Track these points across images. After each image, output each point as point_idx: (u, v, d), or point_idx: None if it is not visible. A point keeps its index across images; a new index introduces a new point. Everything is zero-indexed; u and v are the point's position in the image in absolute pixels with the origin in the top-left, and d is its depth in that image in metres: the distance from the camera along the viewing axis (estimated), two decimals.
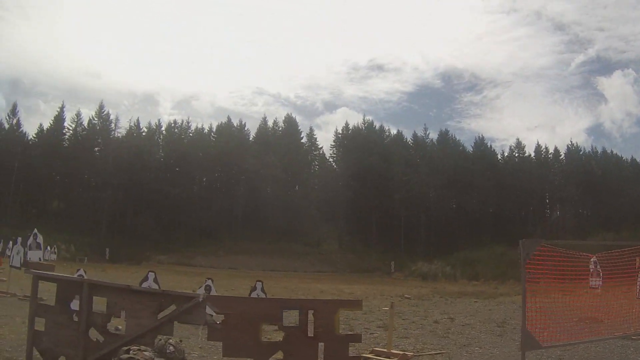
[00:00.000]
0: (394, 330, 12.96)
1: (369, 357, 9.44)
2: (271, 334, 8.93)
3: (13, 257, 16.27)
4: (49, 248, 27.01)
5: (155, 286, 12.31)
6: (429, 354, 9.82)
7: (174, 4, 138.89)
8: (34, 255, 15.78)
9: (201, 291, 13.31)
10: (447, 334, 12.68)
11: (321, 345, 5.88)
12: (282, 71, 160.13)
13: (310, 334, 5.96)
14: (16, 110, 78.24)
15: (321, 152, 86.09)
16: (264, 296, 13.64)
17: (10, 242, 21.93)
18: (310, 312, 6.07)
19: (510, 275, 36.36)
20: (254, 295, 13.40)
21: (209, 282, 14.17)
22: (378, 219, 72.47)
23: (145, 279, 13.48)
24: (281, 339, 6.13)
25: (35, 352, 6.28)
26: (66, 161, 73.69)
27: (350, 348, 6.17)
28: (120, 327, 5.54)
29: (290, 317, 6.31)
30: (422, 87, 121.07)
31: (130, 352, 5.86)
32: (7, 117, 77.60)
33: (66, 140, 79.08)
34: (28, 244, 15.91)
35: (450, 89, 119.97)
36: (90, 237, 64.13)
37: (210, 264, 59.23)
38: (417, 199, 70.32)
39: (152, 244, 66.36)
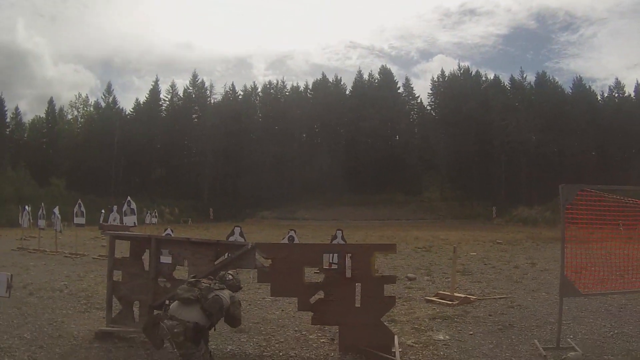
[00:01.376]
0: (470, 275, 13.29)
1: (431, 299, 9.87)
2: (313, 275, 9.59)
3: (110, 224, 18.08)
4: (149, 213, 29.05)
5: (240, 239, 13.23)
6: (493, 298, 9.99)
7: None
8: (129, 221, 17.18)
9: (284, 241, 14.18)
10: (521, 279, 12.77)
11: (358, 285, 6.36)
12: (374, 23, 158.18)
13: (348, 275, 6.45)
14: (111, 89, 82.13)
15: (419, 100, 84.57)
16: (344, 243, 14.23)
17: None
18: (348, 256, 6.57)
19: None
20: (336, 241, 14.08)
21: (292, 233, 14.96)
22: (478, 166, 70.98)
23: (232, 233, 14.44)
24: (322, 280, 6.70)
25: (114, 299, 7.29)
26: (165, 130, 76.94)
27: (395, 287, 6.52)
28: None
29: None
30: (517, 28, 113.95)
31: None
32: (103, 96, 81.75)
33: (163, 111, 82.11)
34: (123, 210, 17.53)
35: (545, 29, 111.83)
36: (194, 199, 67.76)
37: (313, 217, 60.64)
38: (517, 144, 67.54)
39: (255, 202, 68.79)
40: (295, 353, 6.48)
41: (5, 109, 75.00)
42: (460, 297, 9.71)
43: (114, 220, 17.60)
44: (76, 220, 19.45)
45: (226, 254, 6.84)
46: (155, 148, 78.51)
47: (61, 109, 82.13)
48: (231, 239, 13.34)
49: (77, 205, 19.45)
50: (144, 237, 7.21)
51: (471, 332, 7.33)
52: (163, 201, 61.97)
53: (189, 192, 70.77)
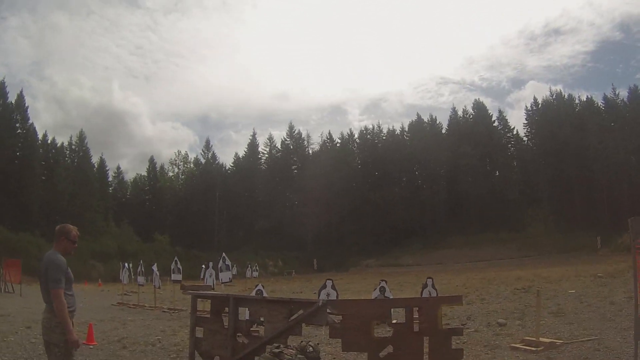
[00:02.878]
0: (563, 316, 12.78)
1: (516, 346, 9.63)
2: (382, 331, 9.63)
3: (206, 279, 18.85)
4: (250, 266, 30.04)
5: (333, 292, 13.49)
6: (580, 341, 9.60)
7: (341, 13, 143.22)
8: (224, 277, 17.83)
9: (376, 293, 14.27)
10: (615, 316, 12.12)
11: (426, 339, 6.42)
12: (461, 55, 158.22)
13: (416, 329, 6.54)
14: (209, 145, 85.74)
15: (515, 132, 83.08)
16: (435, 292, 14.14)
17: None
18: (415, 310, 6.67)
19: None
20: (425, 292, 14.04)
21: (383, 283, 15.07)
22: (580, 193, 68.40)
23: (324, 286, 14.75)
24: (391, 335, 6.80)
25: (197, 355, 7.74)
26: (265, 183, 79.13)
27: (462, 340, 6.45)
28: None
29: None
30: (603, 42, 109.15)
31: (280, 347, 7.11)
32: (203, 152, 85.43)
33: (263, 164, 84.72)
34: (219, 266, 18.26)
35: (631, 38, 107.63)
36: (297, 251, 68.37)
37: (416, 262, 60.41)
38: (617, 166, 64.53)
39: (358, 250, 69.25)
40: None
41: (107, 168, 79.67)
42: (546, 342, 9.39)
43: (210, 276, 18.33)
44: (173, 276, 20.48)
45: (300, 311, 7.10)
46: (256, 201, 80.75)
47: (162, 167, 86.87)
48: (323, 292, 13.61)
49: (173, 262, 20.49)
50: (223, 296, 7.64)
51: None
52: (267, 254, 63.40)
53: (293, 243, 71.72)
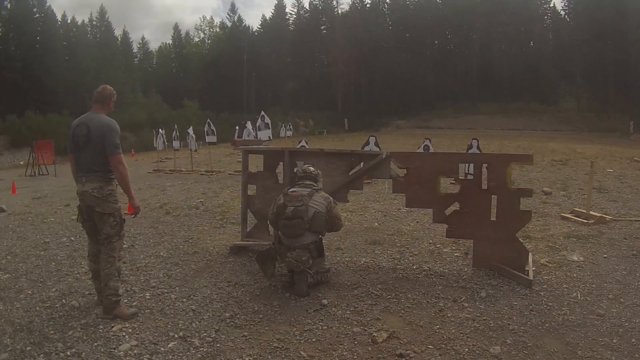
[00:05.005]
0: (606, 193, 12.41)
1: (566, 216, 9.36)
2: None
3: (243, 139, 18.61)
4: (283, 126, 29.48)
5: (376, 149, 13.19)
6: (629, 220, 9.22)
7: None
8: (264, 135, 17.67)
9: (420, 151, 13.96)
10: None
11: (494, 197, 6.07)
12: None
13: (484, 187, 6.17)
14: (235, 8, 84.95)
15: (552, 5, 79.19)
16: (478, 152, 13.74)
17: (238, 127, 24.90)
18: (484, 166, 6.25)
19: None
20: (472, 151, 13.65)
21: (427, 142, 14.69)
22: (615, 75, 64.86)
23: (367, 143, 14.43)
24: (457, 191, 6.45)
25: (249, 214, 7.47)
26: (294, 44, 77.77)
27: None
28: None
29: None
30: None
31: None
32: (228, 16, 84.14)
33: (290, 25, 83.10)
34: (257, 125, 17.92)
35: None
36: (327, 111, 68.06)
37: (448, 126, 60.36)
38: None
39: (389, 111, 68.90)
40: (428, 267, 6.36)
41: (131, 40, 79.49)
42: (596, 216, 9.08)
43: (248, 135, 18.03)
44: (208, 138, 20.14)
45: (360, 164, 6.70)
46: (285, 62, 79.79)
47: (187, 33, 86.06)
48: (366, 148, 13.38)
49: (206, 125, 20.09)
50: (277, 150, 7.26)
51: (605, 255, 6.83)
52: (297, 114, 63.29)
53: (323, 103, 71.41)
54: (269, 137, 17.85)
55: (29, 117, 42.26)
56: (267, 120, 17.73)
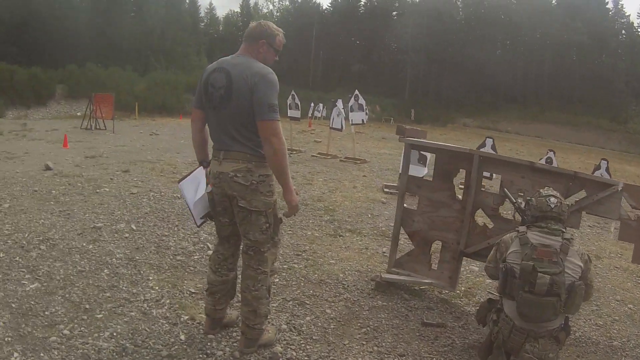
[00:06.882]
0: None
1: None
2: None
3: (333, 120, 16.16)
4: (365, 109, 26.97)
5: (491, 152, 10.60)
6: None
7: None
8: (357, 117, 15.41)
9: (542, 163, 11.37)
10: None
11: None
12: None
13: None
14: None
15: (629, 19, 76.14)
16: (608, 177, 11.12)
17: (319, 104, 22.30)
18: None
19: None
20: (597, 174, 10.99)
21: (551, 154, 12.04)
22: None
23: (483, 144, 11.91)
24: None
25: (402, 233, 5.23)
26: (364, 27, 76.28)
27: None
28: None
29: None
30: None
31: None
32: None
33: (362, 7, 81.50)
34: (350, 105, 15.50)
35: None
36: (394, 98, 66.33)
37: (515, 130, 58.64)
38: None
39: (456, 107, 67.28)
40: None
41: (199, 4, 78.29)
42: None
43: (338, 115, 15.67)
44: (290, 113, 17.44)
45: (580, 192, 4.54)
46: (354, 44, 78.52)
47: (256, 3, 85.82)
48: (482, 150, 10.65)
49: (290, 97, 17.46)
50: (462, 152, 4.93)
51: None
52: (364, 97, 61.22)
53: (389, 90, 69.19)
54: (363, 120, 15.47)
55: (90, 68, 40.81)
56: (362, 100, 15.38)
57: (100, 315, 3.79)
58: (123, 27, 51.79)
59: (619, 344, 4.55)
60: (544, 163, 10.63)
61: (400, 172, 5.46)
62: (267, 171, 3.25)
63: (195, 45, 62.66)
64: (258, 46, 3.35)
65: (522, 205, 3.82)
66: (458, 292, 5.08)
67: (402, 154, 5.21)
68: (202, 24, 79.63)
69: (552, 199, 3.49)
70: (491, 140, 12.86)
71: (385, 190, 10.68)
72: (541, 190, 3.63)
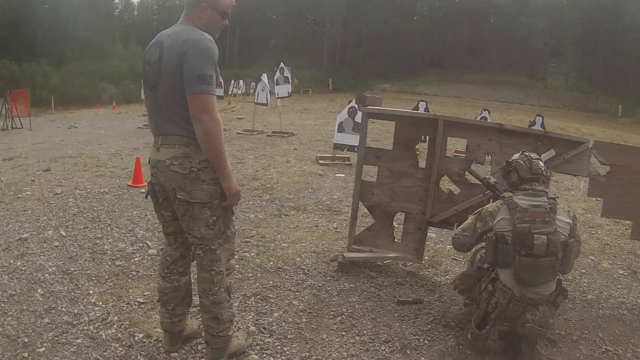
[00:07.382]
0: None
1: None
2: None
3: (258, 94, 15.73)
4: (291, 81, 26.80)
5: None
6: None
7: None
8: (282, 90, 15.02)
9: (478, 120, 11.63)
10: None
11: None
12: None
13: None
14: None
15: None
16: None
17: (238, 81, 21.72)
18: None
19: None
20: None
21: (485, 113, 12.13)
22: (606, 58, 64.19)
23: (416, 108, 11.92)
24: None
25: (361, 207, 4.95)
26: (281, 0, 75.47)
27: None
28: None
29: None
30: None
31: None
32: None
33: None
34: (275, 78, 15.06)
35: None
36: (312, 70, 65.71)
37: (434, 92, 59.15)
38: None
39: (374, 74, 67.17)
40: None
41: None
42: None
43: (263, 89, 15.27)
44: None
45: (549, 151, 4.47)
46: (270, 18, 78.56)
47: None
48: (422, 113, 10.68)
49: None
50: (424, 118, 4.74)
51: None
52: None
53: (307, 62, 68.72)
54: (288, 92, 15.10)
55: (4, 65, 39.95)
56: (287, 73, 14.92)
57: (43, 349, 3.17)
58: (36, 19, 49.26)
59: (594, 297, 4.56)
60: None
61: (358, 144, 5.12)
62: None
63: (110, 33, 60.81)
64: (199, 11, 2.82)
65: (492, 181, 3.71)
66: (423, 262, 4.86)
67: (360, 123, 4.80)
68: (117, 10, 76.81)
69: (540, 162, 3.45)
70: (424, 103, 12.95)
71: (321, 162, 10.43)
72: (528, 154, 3.51)
